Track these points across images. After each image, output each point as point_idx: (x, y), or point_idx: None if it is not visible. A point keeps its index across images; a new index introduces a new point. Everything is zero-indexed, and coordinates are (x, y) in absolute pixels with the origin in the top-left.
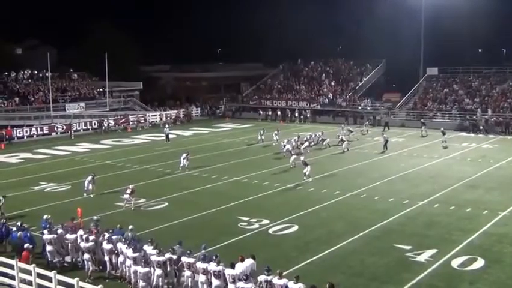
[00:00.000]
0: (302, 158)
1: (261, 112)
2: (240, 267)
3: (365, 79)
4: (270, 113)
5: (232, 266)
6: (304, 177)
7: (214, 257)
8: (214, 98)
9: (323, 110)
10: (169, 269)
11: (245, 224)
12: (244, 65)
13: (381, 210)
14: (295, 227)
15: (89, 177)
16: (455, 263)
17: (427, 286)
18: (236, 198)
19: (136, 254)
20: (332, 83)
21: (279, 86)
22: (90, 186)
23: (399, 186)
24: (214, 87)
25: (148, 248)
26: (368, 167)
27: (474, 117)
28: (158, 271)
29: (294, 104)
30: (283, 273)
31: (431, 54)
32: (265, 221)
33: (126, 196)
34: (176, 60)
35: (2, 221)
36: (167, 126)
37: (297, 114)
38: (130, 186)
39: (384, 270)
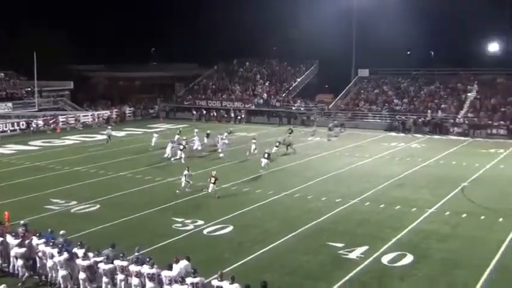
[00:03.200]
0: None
1: (195, 112)
2: (176, 268)
3: (298, 80)
4: (204, 113)
5: (170, 268)
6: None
7: (148, 260)
8: (148, 98)
9: (257, 111)
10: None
11: (180, 225)
12: (178, 65)
13: (315, 209)
14: (230, 228)
15: None
16: (386, 259)
17: (359, 282)
18: (170, 199)
19: (62, 258)
20: (267, 84)
21: (214, 86)
22: None
23: (332, 186)
24: (148, 87)
25: (79, 252)
26: (302, 167)
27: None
28: (82, 275)
29: (229, 104)
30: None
31: (363, 56)
32: (200, 222)
33: (211, 185)
34: (109, 59)
35: None
36: (110, 127)
37: (232, 115)
38: (213, 173)
39: (317, 268)
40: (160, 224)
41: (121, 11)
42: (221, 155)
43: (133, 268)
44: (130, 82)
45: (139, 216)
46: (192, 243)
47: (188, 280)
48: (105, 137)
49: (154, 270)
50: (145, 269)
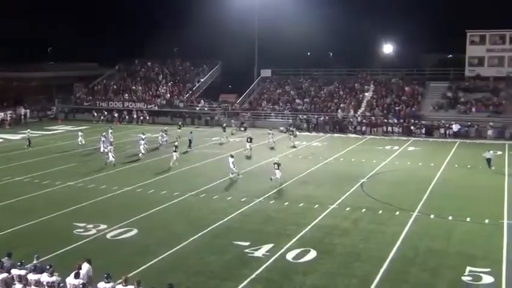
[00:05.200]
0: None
1: (95, 114)
2: (80, 275)
3: (202, 80)
4: (106, 114)
5: (76, 276)
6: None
7: (47, 267)
8: (46, 99)
9: (160, 111)
10: None
11: (81, 230)
12: (77, 64)
13: (221, 208)
14: (135, 231)
15: None
16: (290, 256)
17: (264, 280)
18: (71, 203)
19: None
20: (169, 84)
21: (115, 86)
22: None
23: (237, 185)
24: (45, 88)
25: None
26: (207, 167)
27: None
28: None
29: (131, 105)
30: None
31: (265, 57)
32: (103, 226)
33: (277, 172)
34: (3, 59)
35: None
36: (29, 130)
37: (134, 116)
38: (276, 159)
39: (224, 268)
40: (61, 230)
41: (22, 12)
42: (140, 154)
43: (32, 277)
44: (26, 83)
45: (38, 223)
46: (95, 248)
47: (101, 285)
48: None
49: (53, 278)
50: (45, 278)
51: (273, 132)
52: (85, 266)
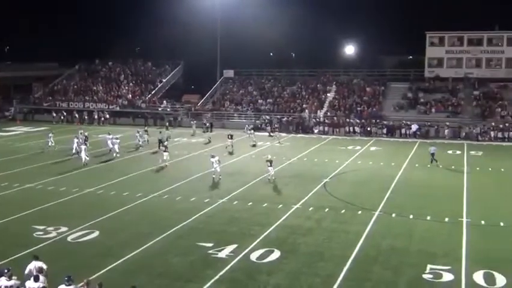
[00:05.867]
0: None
1: (55, 114)
2: (42, 278)
3: (164, 80)
4: (65, 115)
5: (36, 279)
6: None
7: (5, 271)
8: (3, 99)
9: (122, 112)
10: None
11: (41, 233)
12: (36, 64)
13: (184, 209)
14: (96, 233)
15: None
16: (254, 256)
17: (228, 280)
18: (30, 206)
19: None
20: (131, 84)
21: (75, 86)
22: None
23: (200, 186)
24: (2, 88)
25: None
26: (169, 168)
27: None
28: None
29: (92, 105)
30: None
31: (227, 57)
32: (64, 229)
33: (270, 169)
34: None
35: None
36: None
37: (95, 116)
38: (268, 156)
39: (188, 269)
40: (19, 233)
41: None
42: (115, 154)
43: None
44: None
45: None
46: (56, 252)
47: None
48: None
49: (12, 282)
50: (3, 282)
51: (252, 132)
52: (33, 264)
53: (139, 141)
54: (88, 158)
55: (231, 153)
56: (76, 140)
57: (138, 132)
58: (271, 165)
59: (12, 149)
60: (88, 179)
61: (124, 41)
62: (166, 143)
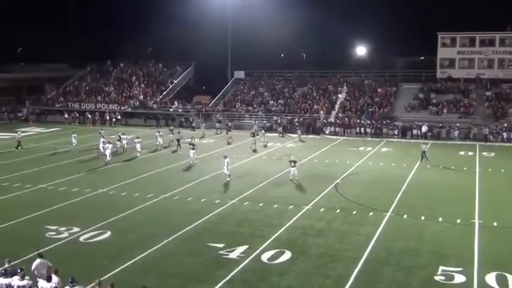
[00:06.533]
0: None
1: (67, 115)
2: (55, 279)
3: (175, 81)
4: (77, 116)
5: (49, 279)
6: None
7: (19, 271)
8: (16, 100)
9: (134, 113)
10: None
11: (54, 233)
12: (48, 65)
13: (195, 210)
14: (108, 233)
15: None
16: (265, 257)
17: (240, 281)
18: (43, 206)
19: None
20: (143, 85)
21: (87, 87)
22: None
23: (211, 187)
24: (15, 89)
25: None
26: (181, 169)
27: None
28: None
29: (104, 106)
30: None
31: (238, 58)
32: (76, 229)
33: (293, 170)
34: None
35: None
36: (19, 132)
37: (107, 117)
38: (292, 157)
39: (199, 270)
40: (32, 233)
41: None
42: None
43: (2, 281)
44: None
45: (8, 226)
46: (68, 252)
47: None
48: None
49: (24, 282)
50: (15, 281)
51: (263, 132)
52: (37, 262)
53: (159, 141)
54: (109, 158)
55: (254, 151)
56: (102, 140)
57: (158, 132)
58: (294, 166)
59: (25, 150)
60: (100, 180)
61: (135, 42)
62: (193, 141)
